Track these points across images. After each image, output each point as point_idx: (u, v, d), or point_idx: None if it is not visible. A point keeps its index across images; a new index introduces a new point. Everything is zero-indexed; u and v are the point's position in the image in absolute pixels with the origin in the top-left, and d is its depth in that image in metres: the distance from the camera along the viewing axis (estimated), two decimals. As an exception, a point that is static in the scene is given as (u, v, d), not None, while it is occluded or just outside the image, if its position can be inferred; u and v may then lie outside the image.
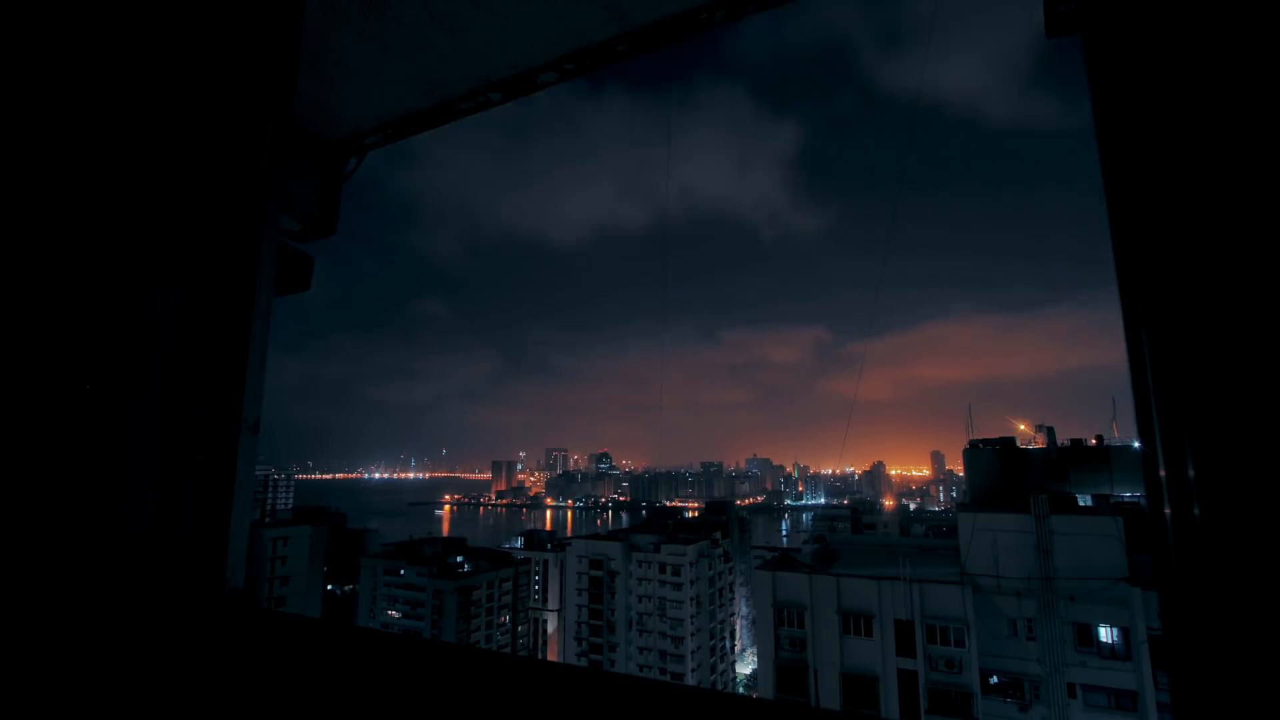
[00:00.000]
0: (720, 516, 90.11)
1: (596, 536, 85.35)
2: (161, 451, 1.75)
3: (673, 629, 73.07)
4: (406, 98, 3.08)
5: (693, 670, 72.09)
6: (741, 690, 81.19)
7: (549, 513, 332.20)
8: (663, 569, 74.36)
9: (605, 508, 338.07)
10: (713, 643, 77.52)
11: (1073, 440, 41.44)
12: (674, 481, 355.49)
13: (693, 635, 72.90)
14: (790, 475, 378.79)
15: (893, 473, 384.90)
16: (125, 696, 1.55)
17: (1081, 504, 35.70)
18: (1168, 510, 1.02)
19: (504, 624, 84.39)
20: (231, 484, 1.79)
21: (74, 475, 1.63)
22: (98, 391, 1.69)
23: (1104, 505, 35.33)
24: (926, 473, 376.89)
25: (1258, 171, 1.00)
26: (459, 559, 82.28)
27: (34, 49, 1.66)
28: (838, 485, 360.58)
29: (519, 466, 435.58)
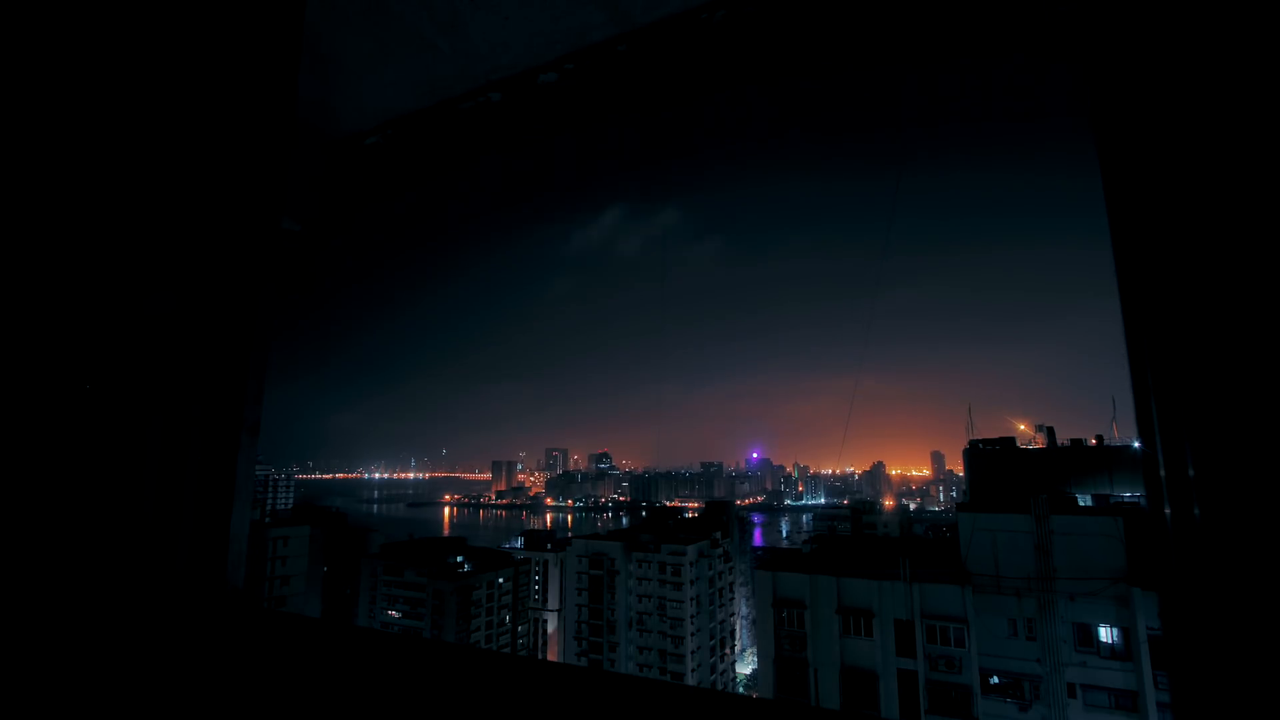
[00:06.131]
0: (720, 516, 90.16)
1: (596, 536, 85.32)
2: (161, 452, 1.76)
3: (673, 629, 73.07)
4: (406, 98, 3.08)
5: (693, 670, 72.08)
6: (741, 690, 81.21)
7: (549, 513, 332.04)
8: (663, 569, 74.36)
9: (605, 508, 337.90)
10: (712, 643, 77.53)
11: (1073, 440, 41.49)
12: (674, 481, 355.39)
13: (693, 635, 72.91)
14: (790, 475, 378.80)
15: (893, 473, 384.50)
16: (127, 695, 1.55)
17: (1081, 504, 35.71)
18: (1168, 510, 1.02)
19: (504, 624, 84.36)
20: (232, 484, 1.79)
21: (74, 475, 1.63)
22: (98, 391, 1.69)
23: (1104, 505, 35.33)
24: (926, 473, 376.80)
25: (1256, 174, 1.00)
26: (459, 559, 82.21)
27: (35, 47, 1.66)
28: (838, 485, 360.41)
29: (519, 466, 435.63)
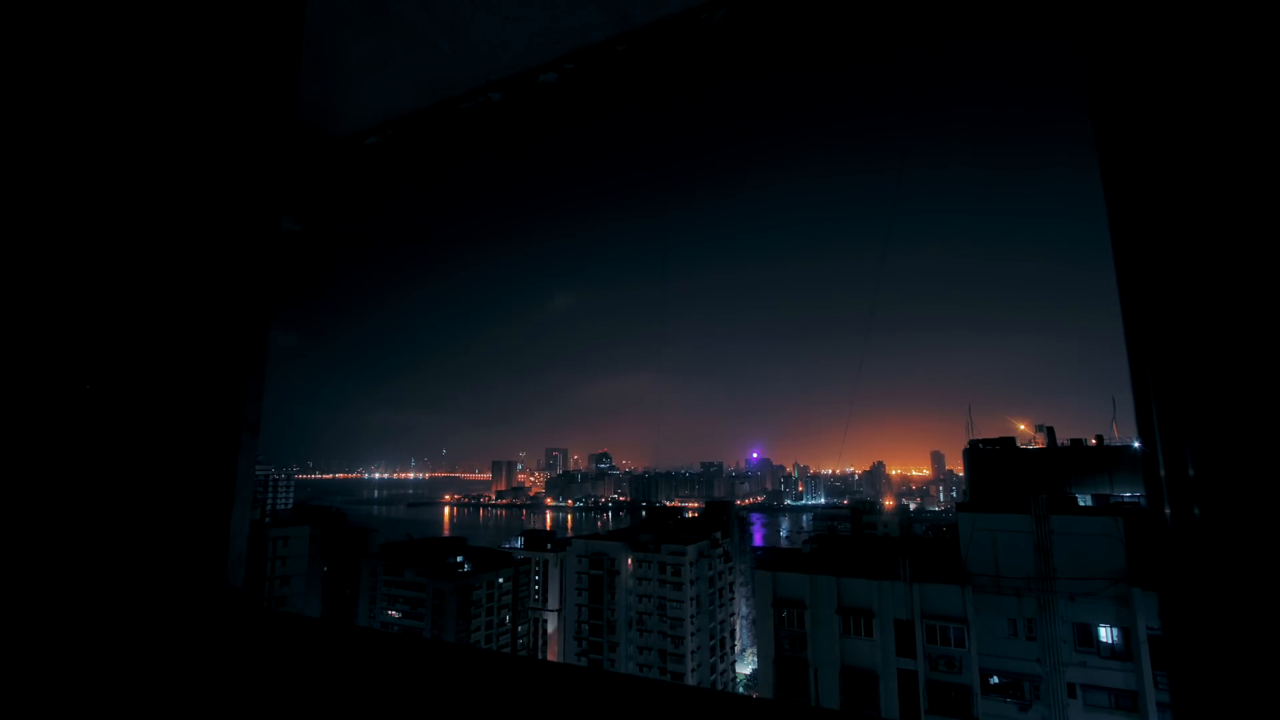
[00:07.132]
0: (720, 516, 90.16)
1: (596, 536, 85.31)
2: (161, 451, 1.75)
3: (673, 629, 73.05)
4: (406, 98, 3.08)
5: (693, 670, 72.05)
6: (741, 690, 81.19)
7: (549, 513, 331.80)
8: (663, 569, 74.34)
9: (605, 508, 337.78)
10: (712, 643, 77.51)
11: (1073, 440, 41.50)
12: (674, 481, 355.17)
13: (693, 635, 72.89)
14: (790, 475, 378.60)
15: (893, 473, 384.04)
16: (128, 695, 1.55)
17: (1081, 504, 35.70)
18: (1168, 510, 1.02)
19: (504, 624, 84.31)
20: (232, 484, 1.79)
21: (75, 475, 1.63)
22: (98, 391, 1.69)
23: (1104, 505, 35.32)
24: (926, 473, 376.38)
25: (1257, 173, 1.00)
26: (459, 559, 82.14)
27: (36, 48, 1.66)
28: (838, 485, 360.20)
29: (519, 466, 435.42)
